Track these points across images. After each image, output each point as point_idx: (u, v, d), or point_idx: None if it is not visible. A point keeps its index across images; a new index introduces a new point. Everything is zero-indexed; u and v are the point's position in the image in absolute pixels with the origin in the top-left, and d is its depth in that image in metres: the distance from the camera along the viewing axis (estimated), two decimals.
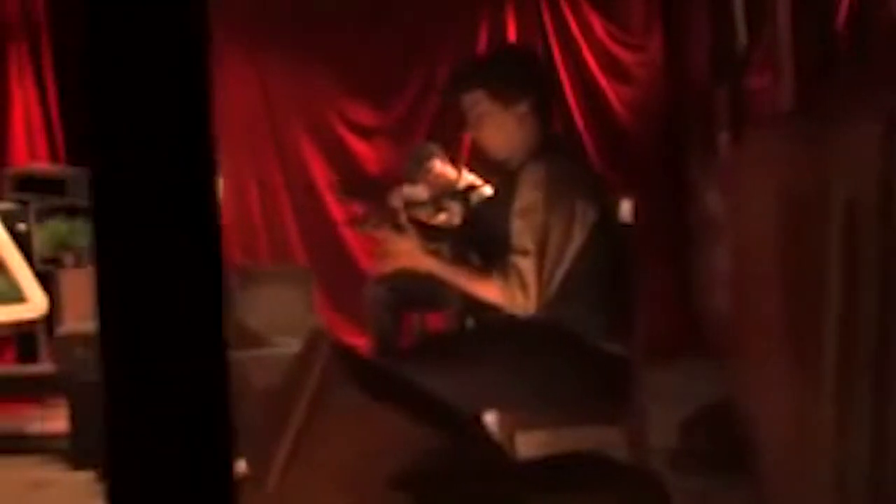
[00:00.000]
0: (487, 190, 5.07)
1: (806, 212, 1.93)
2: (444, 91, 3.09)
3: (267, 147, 7.31)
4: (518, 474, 1.86)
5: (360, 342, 6.47)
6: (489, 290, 2.62)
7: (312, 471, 1.63)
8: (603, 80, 7.02)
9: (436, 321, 5.55)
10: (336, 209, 7.27)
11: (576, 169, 2.71)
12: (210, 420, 0.58)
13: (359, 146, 7.31)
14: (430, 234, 2.77)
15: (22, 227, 5.82)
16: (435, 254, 2.66)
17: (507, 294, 2.58)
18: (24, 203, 5.90)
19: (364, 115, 7.30)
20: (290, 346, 4.65)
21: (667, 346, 5.31)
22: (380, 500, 1.62)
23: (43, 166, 6.40)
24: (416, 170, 5.46)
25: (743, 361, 3.11)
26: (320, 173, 7.31)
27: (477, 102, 2.72)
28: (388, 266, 2.72)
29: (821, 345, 2.05)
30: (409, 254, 2.65)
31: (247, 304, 4.83)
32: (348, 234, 7.23)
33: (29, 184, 5.97)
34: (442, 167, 5.43)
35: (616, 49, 7.09)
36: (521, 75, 2.73)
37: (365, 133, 7.32)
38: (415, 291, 5.11)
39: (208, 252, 0.57)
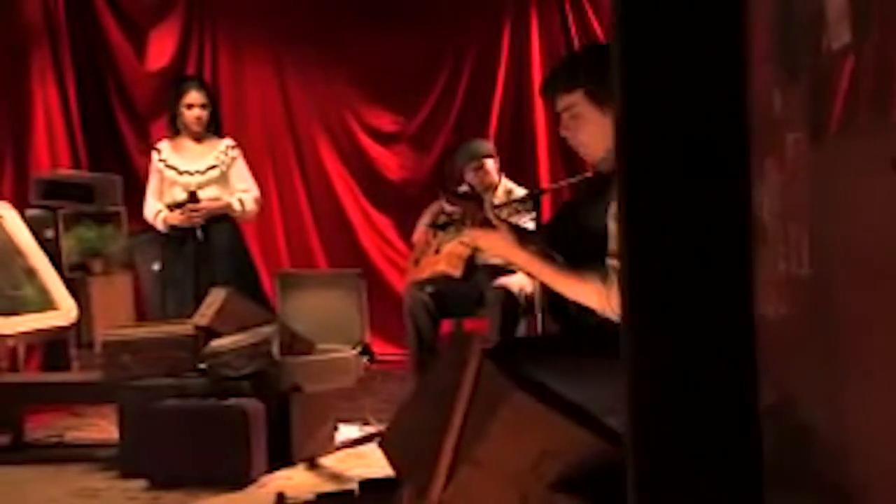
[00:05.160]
0: (520, 193, 4.98)
1: None
2: (541, 90, 3.03)
3: (288, 154, 7.27)
4: None
5: (380, 348, 6.43)
6: (583, 292, 2.58)
7: (477, 476, 1.60)
8: None
9: (473, 328, 5.49)
10: (355, 218, 7.23)
11: None
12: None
13: (378, 152, 7.27)
14: (517, 232, 2.74)
15: (50, 233, 5.74)
16: (528, 251, 2.64)
17: (605, 297, 2.54)
18: (53, 209, 5.83)
19: (385, 121, 7.26)
20: (339, 351, 4.62)
21: None
22: (545, 503, 1.59)
23: (71, 172, 6.33)
24: (465, 163, 5.26)
25: (824, 364, 3.08)
26: (341, 181, 7.27)
27: (575, 103, 2.68)
28: (483, 259, 2.69)
29: None
30: (504, 249, 2.65)
31: (295, 309, 4.77)
32: (368, 243, 7.19)
33: (57, 190, 5.89)
34: (492, 166, 5.28)
35: None
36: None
37: (386, 139, 7.28)
38: (454, 297, 5.05)
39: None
